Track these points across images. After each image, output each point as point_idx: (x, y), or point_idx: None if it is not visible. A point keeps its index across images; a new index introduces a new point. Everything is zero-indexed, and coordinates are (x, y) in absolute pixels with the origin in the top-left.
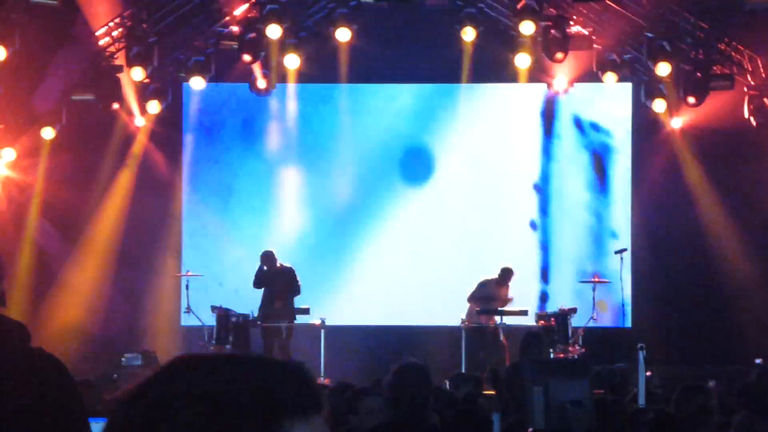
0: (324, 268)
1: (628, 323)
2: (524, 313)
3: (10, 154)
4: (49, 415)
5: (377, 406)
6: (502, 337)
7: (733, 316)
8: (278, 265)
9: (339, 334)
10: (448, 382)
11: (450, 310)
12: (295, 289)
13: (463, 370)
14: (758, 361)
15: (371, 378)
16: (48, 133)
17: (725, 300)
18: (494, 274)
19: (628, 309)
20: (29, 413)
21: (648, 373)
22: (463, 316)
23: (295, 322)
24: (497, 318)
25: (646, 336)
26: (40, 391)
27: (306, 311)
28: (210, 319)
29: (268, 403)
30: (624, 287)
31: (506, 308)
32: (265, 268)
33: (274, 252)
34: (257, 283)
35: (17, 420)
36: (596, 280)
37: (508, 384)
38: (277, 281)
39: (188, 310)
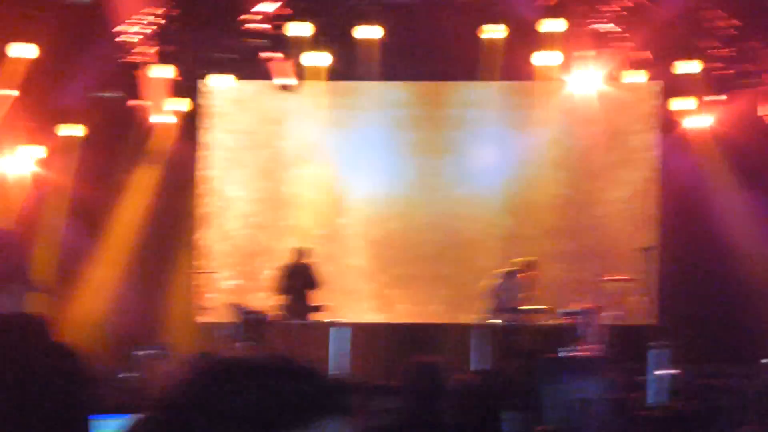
0: (336, 265)
1: (655, 321)
2: (544, 311)
3: (40, 151)
4: (48, 410)
5: (390, 405)
6: (513, 335)
7: (761, 315)
8: (300, 261)
9: (349, 332)
10: (458, 379)
11: (462, 307)
12: (313, 284)
13: (473, 367)
14: (765, 361)
15: (382, 376)
16: (72, 130)
17: (753, 298)
18: (513, 267)
19: (655, 306)
20: (30, 407)
21: (676, 371)
22: (482, 313)
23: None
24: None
25: (672, 333)
26: (45, 386)
27: (317, 309)
28: (227, 316)
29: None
30: (650, 285)
31: (530, 306)
32: (291, 263)
33: (302, 248)
34: (280, 279)
35: (18, 412)
36: (622, 277)
37: (519, 381)
38: (296, 278)
39: (206, 307)
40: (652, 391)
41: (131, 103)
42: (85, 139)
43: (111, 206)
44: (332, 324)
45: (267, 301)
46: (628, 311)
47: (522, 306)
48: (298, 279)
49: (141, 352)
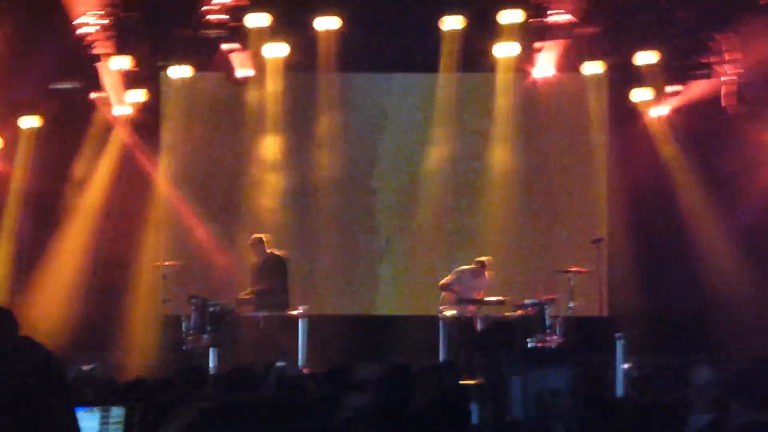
0: (304, 257)
1: (606, 312)
2: (502, 303)
3: None
4: (36, 404)
5: (364, 402)
6: (479, 327)
7: (713, 304)
8: (268, 252)
9: (319, 324)
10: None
11: (427, 300)
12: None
13: (441, 360)
14: None
15: (349, 368)
16: (28, 122)
17: (705, 288)
18: (470, 264)
19: (605, 298)
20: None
21: (625, 365)
22: (441, 307)
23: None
24: (473, 308)
25: (623, 325)
26: (29, 379)
27: (285, 301)
28: (188, 309)
29: None
30: (601, 276)
31: (486, 297)
32: (259, 255)
33: (263, 238)
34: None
35: (4, 408)
36: (574, 269)
37: (486, 374)
38: (264, 270)
39: (166, 300)
40: (620, 382)
41: (88, 94)
42: (42, 131)
43: (69, 198)
44: (301, 316)
45: (232, 293)
46: (581, 303)
47: (478, 298)
48: (266, 271)
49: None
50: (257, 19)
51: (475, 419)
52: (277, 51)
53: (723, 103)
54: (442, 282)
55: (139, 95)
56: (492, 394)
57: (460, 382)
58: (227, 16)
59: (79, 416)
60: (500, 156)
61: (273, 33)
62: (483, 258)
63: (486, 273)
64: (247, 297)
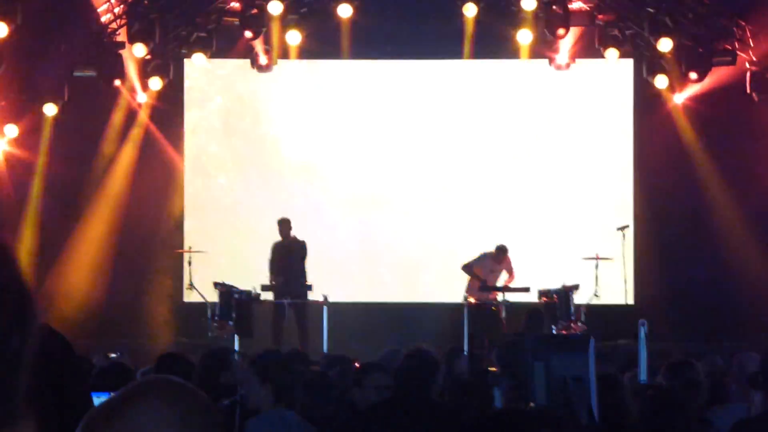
0: (328, 244)
1: (631, 300)
2: (527, 290)
3: (12, 130)
4: (53, 391)
5: (384, 382)
6: (503, 314)
7: (736, 292)
8: (291, 236)
9: (342, 312)
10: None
11: (452, 287)
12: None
13: (465, 347)
14: None
15: (374, 355)
16: (50, 109)
17: (728, 276)
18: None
19: (631, 286)
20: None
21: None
22: (465, 293)
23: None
24: (499, 295)
25: (648, 313)
26: (46, 367)
27: (309, 288)
28: (213, 296)
29: None
30: (626, 264)
31: (509, 285)
32: (282, 240)
33: (289, 220)
34: (271, 256)
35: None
36: (599, 257)
37: (509, 360)
38: (284, 253)
39: (190, 286)
40: (642, 367)
41: (111, 81)
42: (65, 119)
43: (93, 185)
44: (325, 303)
45: (256, 280)
46: (606, 290)
47: (501, 285)
48: (289, 256)
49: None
50: (274, 7)
51: (498, 404)
52: (297, 38)
53: (748, 90)
54: (465, 263)
55: (159, 82)
56: (515, 380)
57: (483, 367)
58: (245, 4)
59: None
60: (526, 143)
61: (294, 20)
62: (501, 244)
63: (507, 257)
64: (272, 284)
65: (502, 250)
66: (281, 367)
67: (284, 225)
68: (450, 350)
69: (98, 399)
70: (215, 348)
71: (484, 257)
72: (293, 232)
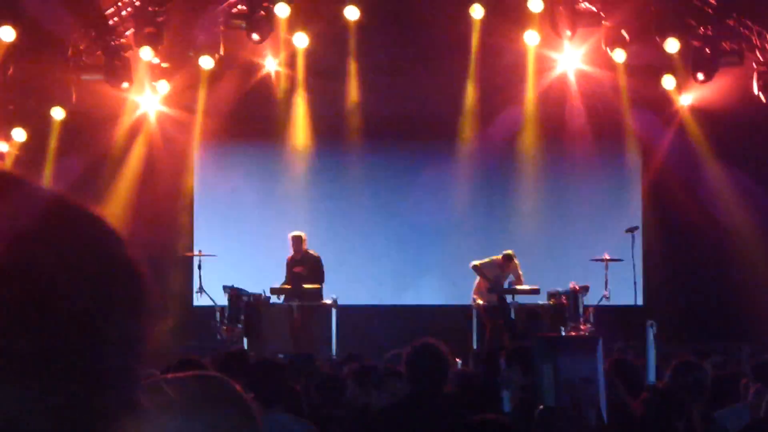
0: (336, 246)
1: (640, 301)
2: (536, 291)
3: (20, 134)
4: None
5: (395, 385)
6: (512, 316)
7: (745, 294)
8: (304, 250)
9: (351, 314)
10: (459, 361)
11: (461, 290)
12: (318, 278)
13: (475, 348)
14: None
15: (383, 358)
16: (58, 113)
17: (737, 278)
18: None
19: (640, 287)
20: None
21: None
22: (473, 295)
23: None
24: (508, 296)
25: (657, 314)
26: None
27: (318, 291)
28: (222, 299)
29: None
30: (636, 265)
31: (518, 287)
32: (296, 254)
33: (302, 236)
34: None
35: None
36: (608, 258)
37: (517, 362)
38: (297, 265)
39: (200, 290)
40: (650, 368)
41: (115, 85)
42: (68, 122)
43: (100, 190)
44: (334, 305)
45: (265, 283)
46: (615, 292)
47: (510, 287)
48: (303, 267)
49: None
50: (279, 10)
51: (506, 407)
52: (304, 41)
53: (755, 90)
54: (474, 263)
55: (167, 85)
56: (523, 382)
57: (492, 369)
58: (251, 7)
59: None
60: (534, 144)
61: (300, 23)
62: (508, 251)
63: (514, 263)
64: (281, 288)
65: (508, 258)
66: (270, 374)
67: (296, 242)
68: (459, 352)
69: None
70: (233, 351)
71: (492, 262)
72: (307, 245)
